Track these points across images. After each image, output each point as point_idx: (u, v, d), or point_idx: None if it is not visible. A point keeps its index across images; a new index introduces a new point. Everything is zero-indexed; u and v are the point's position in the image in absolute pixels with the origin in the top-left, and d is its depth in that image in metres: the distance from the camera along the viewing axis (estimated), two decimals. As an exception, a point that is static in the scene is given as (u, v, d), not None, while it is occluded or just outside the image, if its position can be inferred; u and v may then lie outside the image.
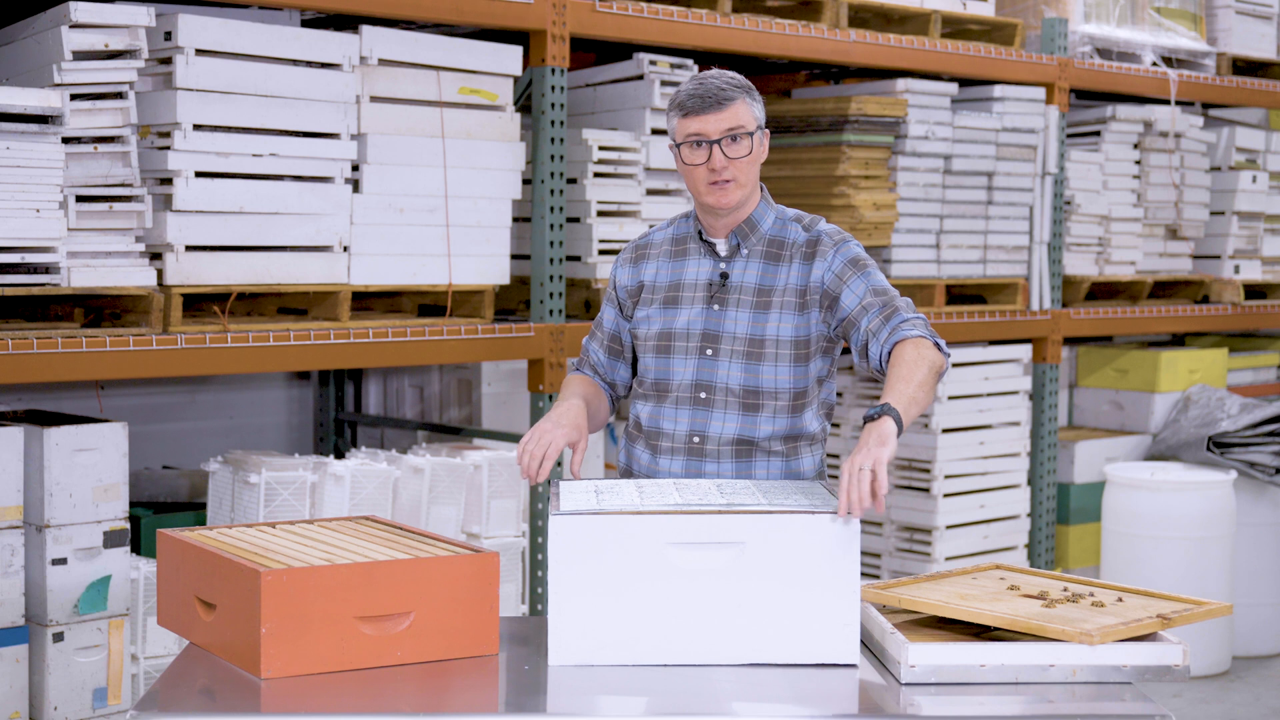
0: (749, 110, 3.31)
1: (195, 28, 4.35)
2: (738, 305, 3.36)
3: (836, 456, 6.60)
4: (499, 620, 2.98)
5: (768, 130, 3.39)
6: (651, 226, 3.83)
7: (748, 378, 3.33)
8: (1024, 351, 6.56)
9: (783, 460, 3.38)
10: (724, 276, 3.39)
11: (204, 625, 2.96)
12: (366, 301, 5.06)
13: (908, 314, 3.31)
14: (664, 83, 5.37)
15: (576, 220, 5.26)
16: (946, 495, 6.28)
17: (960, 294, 6.50)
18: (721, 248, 3.41)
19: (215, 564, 2.92)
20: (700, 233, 3.43)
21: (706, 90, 3.29)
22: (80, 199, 4.19)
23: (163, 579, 3.12)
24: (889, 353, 3.25)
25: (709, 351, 3.36)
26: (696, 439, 3.37)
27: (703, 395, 3.35)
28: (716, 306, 3.37)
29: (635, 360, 3.54)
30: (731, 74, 3.35)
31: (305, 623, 2.80)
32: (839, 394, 6.60)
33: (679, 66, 5.42)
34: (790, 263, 3.37)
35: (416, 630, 2.89)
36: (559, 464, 5.14)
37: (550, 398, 5.04)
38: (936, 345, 3.26)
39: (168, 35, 4.35)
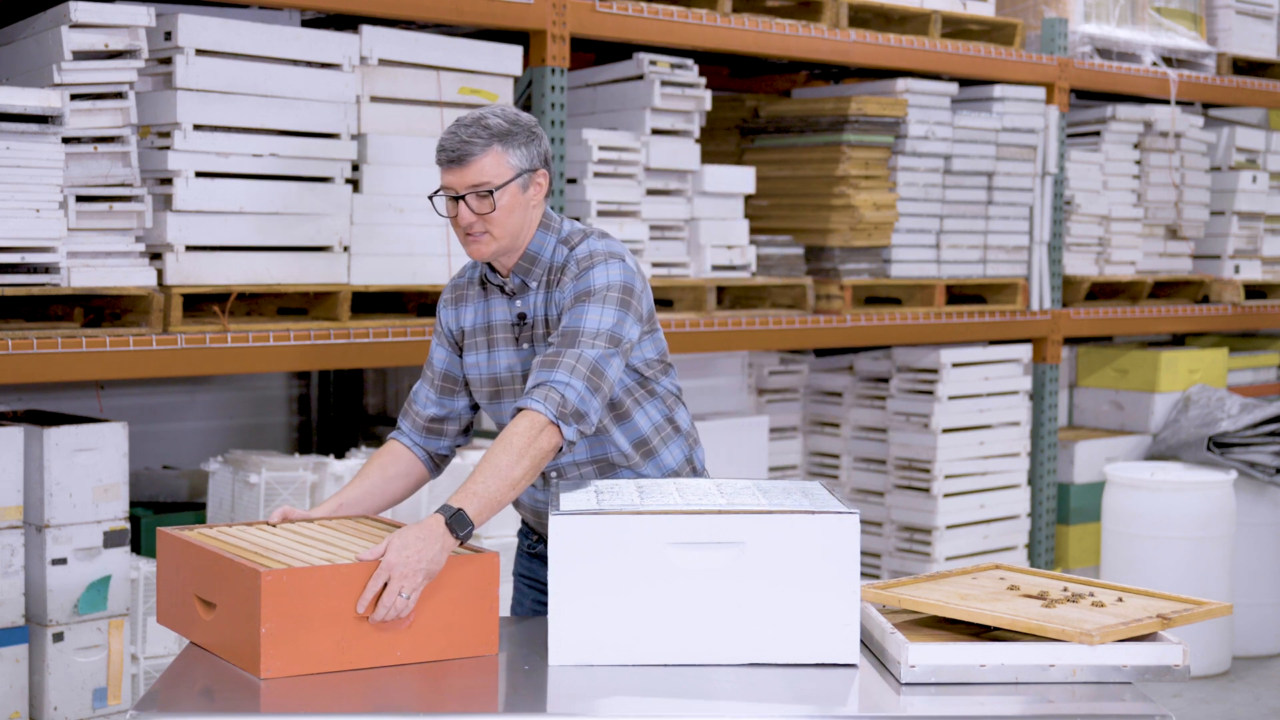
0: (501, 161, 3.16)
1: (195, 28, 4.35)
2: (536, 342, 3.28)
3: (836, 456, 6.60)
4: (499, 620, 2.98)
5: (541, 170, 3.23)
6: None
7: None
8: (1024, 351, 6.56)
9: (650, 463, 3.36)
10: (521, 317, 3.30)
11: (203, 624, 2.96)
12: (366, 301, 5.06)
13: (560, 375, 3.09)
14: (664, 82, 5.37)
15: (577, 220, 5.25)
16: (946, 495, 6.28)
17: (960, 294, 6.50)
18: (508, 287, 3.31)
19: (215, 563, 2.92)
20: (486, 276, 3.33)
21: (452, 143, 3.16)
22: (80, 199, 4.19)
23: (162, 578, 3.12)
24: (512, 416, 3.11)
25: None
26: (554, 474, 3.33)
27: None
28: (525, 346, 3.30)
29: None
30: (491, 120, 3.18)
31: (305, 622, 2.80)
32: (839, 393, 6.60)
33: (679, 66, 5.42)
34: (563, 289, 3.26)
35: (416, 630, 2.89)
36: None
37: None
38: (557, 423, 3.06)
39: (168, 35, 4.35)
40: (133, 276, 4.26)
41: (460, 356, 3.42)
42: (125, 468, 4.32)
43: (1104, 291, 7.14)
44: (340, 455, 5.41)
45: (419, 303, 5.10)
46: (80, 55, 4.16)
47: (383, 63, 4.76)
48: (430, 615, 2.90)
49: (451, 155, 3.16)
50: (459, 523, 2.93)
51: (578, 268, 3.22)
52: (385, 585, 2.84)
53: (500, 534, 5.04)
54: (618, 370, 3.18)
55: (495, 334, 3.33)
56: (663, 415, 3.39)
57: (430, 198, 3.27)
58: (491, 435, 5.52)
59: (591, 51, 5.85)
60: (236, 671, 2.84)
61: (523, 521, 3.56)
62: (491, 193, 3.16)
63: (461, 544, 2.96)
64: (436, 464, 3.47)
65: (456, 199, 3.19)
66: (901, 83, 6.09)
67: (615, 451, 3.33)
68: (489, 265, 3.32)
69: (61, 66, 4.12)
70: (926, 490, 6.29)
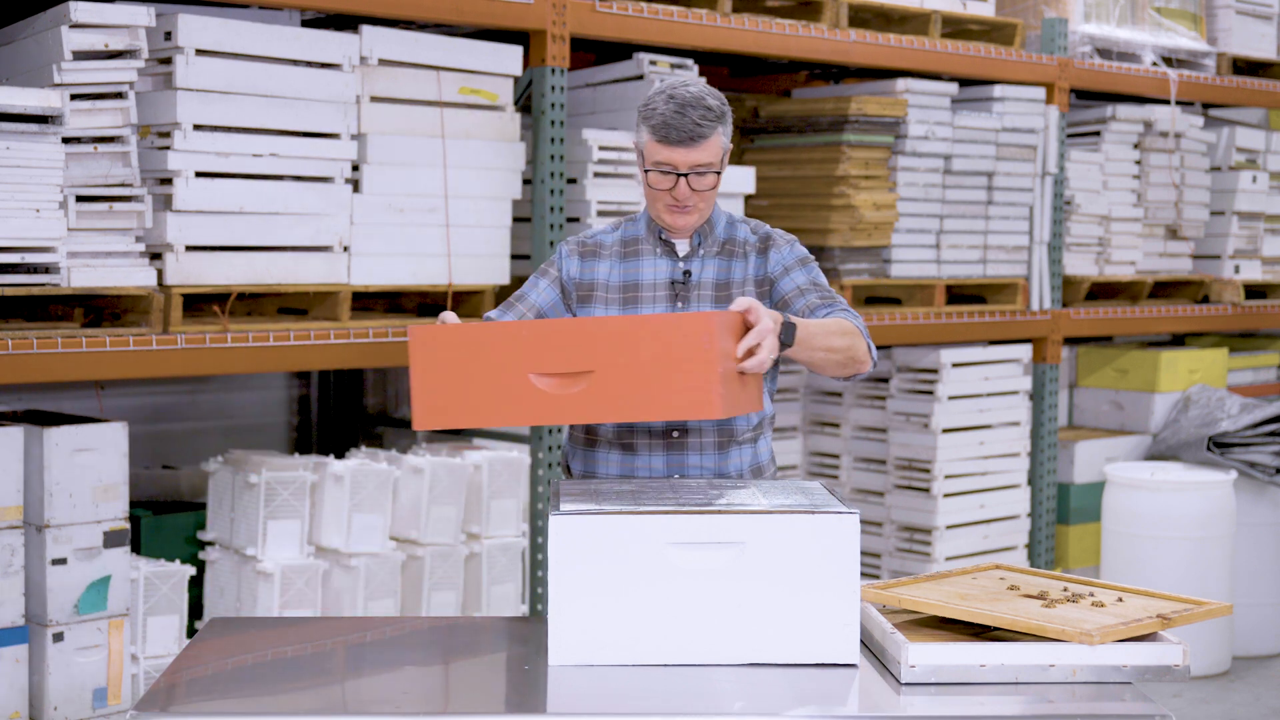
0: (720, 141, 3.33)
1: (195, 28, 4.36)
2: (699, 300, 3.42)
3: (836, 456, 6.60)
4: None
5: (730, 147, 3.43)
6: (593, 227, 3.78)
7: None
8: (1024, 351, 6.56)
9: (751, 447, 3.46)
10: (686, 274, 3.43)
11: (549, 399, 2.96)
12: (366, 301, 5.06)
13: (850, 308, 3.43)
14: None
15: (576, 220, 5.26)
16: (946, 495, 6.28)
17: (960, 294, 6.50)
18: (682, 247, 3.45)
19: (595, 328, 2.98)
20: (660, 233, 3.46)
21: (683, 124, 3.28)
22: (80, 199, 4.19)
23: (436, 377, 2.98)
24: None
25: None
26: (676, 433, 3.38)
27: None
28: (680, 304, 3.41)
29: None
30: (709, 100, 3.32)
31: (723, 363, 2.94)
32: (839, 393, 6.60)
33: (679, 66, 5.42)
34: (745, 258, 3.44)
35: (747, 386, 3.08)
36: (565, 469, 5.14)
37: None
38: (868, 347, 3.37)
39: (168, 35, 4.35)
40: (133, 276, 4.26)
41: (568, 307, 3.48)
42: (125, 468, 4.32)
43: (1104, 291, 7.15)
44: (340, 455, 5.41)
45: (419, 303, 5.10)
46: (80, 55, 4.16)
47: (383, 63, 4.76)
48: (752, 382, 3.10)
49: (683, 135, 3.29)
50: (787, 334, 3.10)
51: (783, 239, 3.48)
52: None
53: (500, 534, 5.04)
54: None
55: (643, 292, 3.43)
56: (771, 409, 3.53)
57: (641, 158, 3.37)
58: (495, 436, 5.53)
59: (591, 51, 5.85)
60: (237, 671, 2.84)
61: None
62: (718, 172, 3.35)
63: (787, 344, 3.15)
64: None
65: (675, 174, 3.32)
66: (901, 83, 6.09)
67: (742, 419, 3.42)
68: (659, 227, 3.47)
69: (61, 66, 4.12)
70: (926, 490, 6.29)
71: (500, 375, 2.96)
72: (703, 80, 3.41)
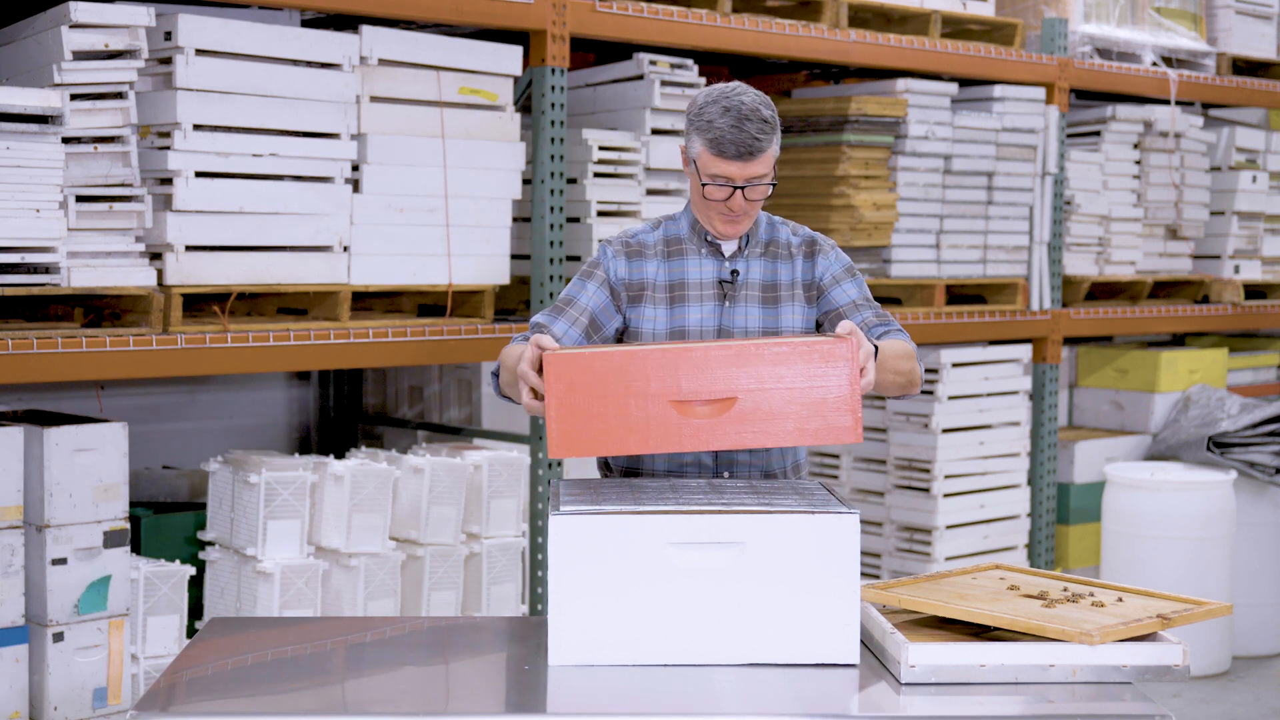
0: (774, 151, 3.34)
1: (195, 28, 4.36)
2: (747, 301, 3.45)
3: (836, 456, 6.60)
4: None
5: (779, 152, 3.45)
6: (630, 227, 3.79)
7: None
8: (1024, 351, 6.56)
9: (791, 448, 3.51)
10: (734, 273, 3.45)
11: (690, 426, 2.97)
12: (366, 301, 5.06)
13: (902, 328, 3.51)
14: (664, 83, 5.37)
15: (576, 220, 5.26)
16: (946, 495, 6.28)
17: (960, 294, 6.50)
18: (728, 247, 3.47)
19: (732, 354, 2.97)
20: (705, 234, 3.47)
21: (742, 139, 3.27)
22: (80, 199, 4.19)
23: (575, 406, 2.97)
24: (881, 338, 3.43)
25: None
26: None
27: None
28: (727, 304, 3.44)
29: None
30: (764, 111, 3.31)
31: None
32: (839, 394, 6.60)
33: (679, 66, 5.42)
34: (792, 260, 3.47)
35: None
36: (559, 463, 5.14)
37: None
38: (921, 370, 3.46)
39: (168, 35, 4.35)
40: (133, 276, 4.26)
41: (618, 308, 3.47)
42: (125, 468, 4.32)
43: (1104, 291, 7.15)
44: (340, 455, 5.41)
45: (419, 303, 5.10)
46: (80, 55, 4.16)
47: (383, 63, 4.76)
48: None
49: (742, 150, 3.29)
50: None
51: (826, 244, 3.52)
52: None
53: (500, 534, 5.04)
54: None
55: (688, 290, 3.45)
56: None
57: (694, 166, 3.36)
58: (494, 435, 5.53)
59: (591, 51, 5.86)
60: (237, 671, 2.84)
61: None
62: (774, 184, 3.37)
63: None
64: None
65: (731, 187, 3.32)
66: (901, 83, 6.09)
67: None
68: (704, 228, 3.48)
69: (61, 66, 4.12)
70: (926, 490, 6.29)
71: (638, 402, 2.97)
72: (750, 87, 3.38)
